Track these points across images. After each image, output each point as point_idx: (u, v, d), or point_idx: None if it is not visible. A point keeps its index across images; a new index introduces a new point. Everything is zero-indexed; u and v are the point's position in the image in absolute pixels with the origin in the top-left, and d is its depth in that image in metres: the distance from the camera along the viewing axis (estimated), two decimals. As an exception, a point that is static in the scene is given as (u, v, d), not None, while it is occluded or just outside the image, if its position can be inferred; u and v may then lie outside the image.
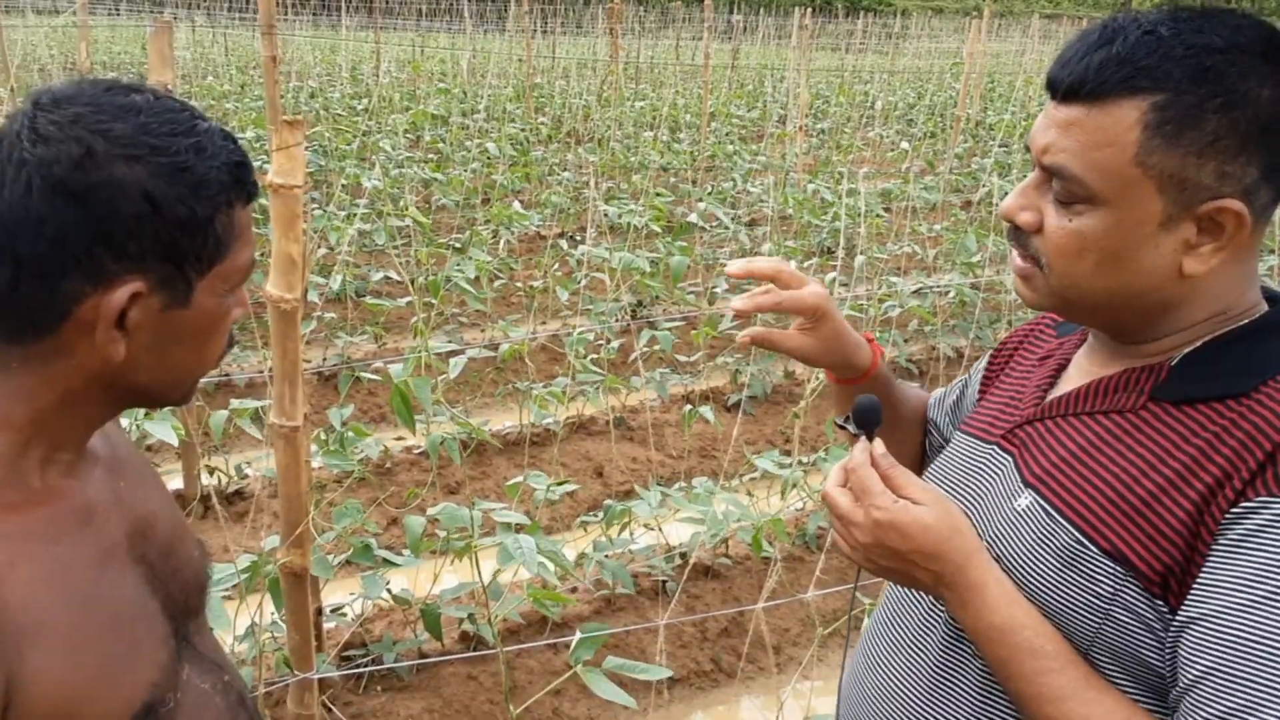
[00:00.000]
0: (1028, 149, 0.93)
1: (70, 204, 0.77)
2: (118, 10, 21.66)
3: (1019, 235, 0.93)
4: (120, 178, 0.78)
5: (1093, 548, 0.86)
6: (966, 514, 0.96)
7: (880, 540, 0.91)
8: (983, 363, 1.22)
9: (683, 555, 3.27)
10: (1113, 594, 0.84)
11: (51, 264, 0.78)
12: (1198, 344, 0.90)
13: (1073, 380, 1.00)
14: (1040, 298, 0.94)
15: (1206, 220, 0.84)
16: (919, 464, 1.30)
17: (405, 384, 2.46)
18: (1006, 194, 0.99)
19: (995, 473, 1.00)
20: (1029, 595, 0.89)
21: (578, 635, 2.01)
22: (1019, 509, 0.93)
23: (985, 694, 0.93)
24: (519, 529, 2.40)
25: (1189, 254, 0.85)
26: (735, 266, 1.10)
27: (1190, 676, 0.78)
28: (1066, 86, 0.86)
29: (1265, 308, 0.91)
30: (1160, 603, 0.82)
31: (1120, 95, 0.83)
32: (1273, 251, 5.95)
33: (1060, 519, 0.89)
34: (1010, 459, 0.98)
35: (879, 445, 0.96)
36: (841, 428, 1.04)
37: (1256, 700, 0.74)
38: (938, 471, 1.09)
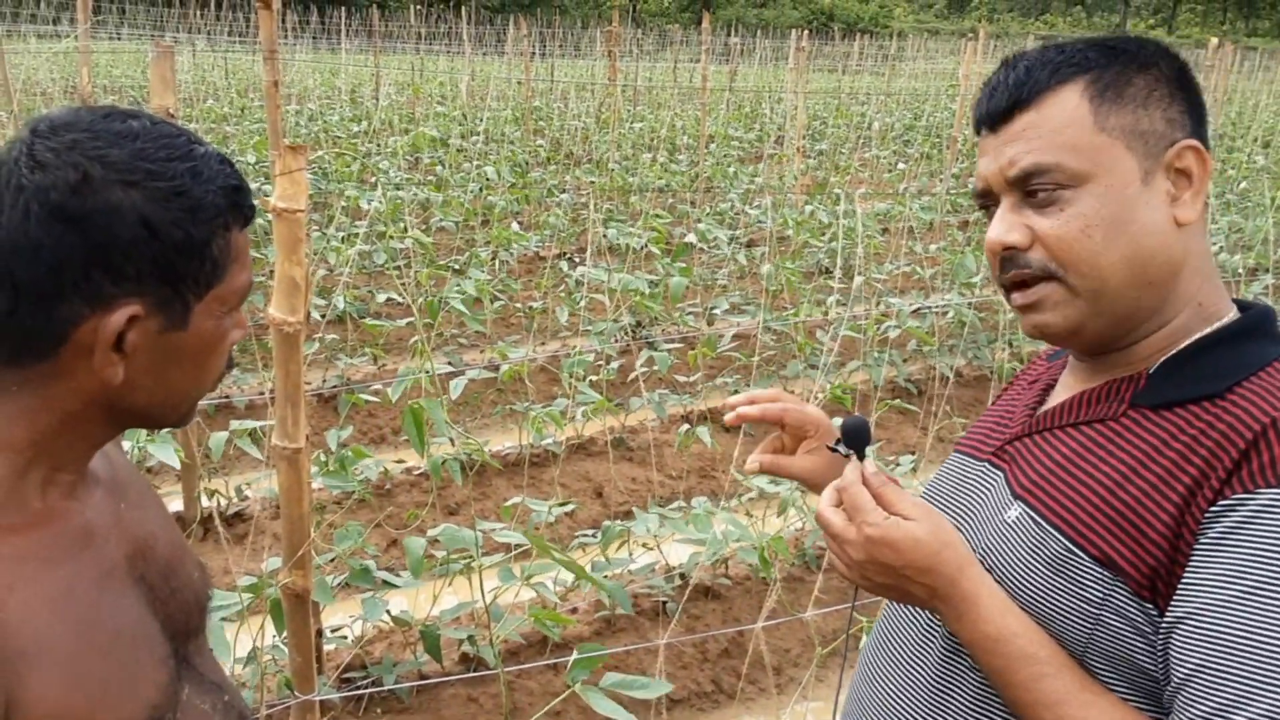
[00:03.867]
0: (980, 196, 0.97)
1: (67, 229, 0.78)
2: (119, 35, 21.79)
3: (1015, 260, 0.93)
4: (117, 203, 0.79)
5: (1082, 555, 0.87)
6: (958, 528, 0.97)
7: (873, 557, 0.92)
8: None
9: (682, 575, 3.26)
10: (1102, 599, 0.85)
11: (50, 288, 0.79)
12: (1174, 350, 0.93)
13: (1059, 397, 1.03)
14: (1064, 313, 0.93)
15: (1174, 171, 0.91)
16: None
17: (418, 404, 2.47)
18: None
19: (987, 488, 1.02)
20: (1022, 604, 0.90)
21: (574, 655, 2.01)
22: (1009, 520, 0.95)
23: (982, 704, 0.94)
24: (519, 550, 2.40)
25: (1175, 204, 0.91)
26: (737, 400, 1.18)
27: (1180, 675, 0.79)
28: (1004, 107, 0.94)
29: (1236, 313, 0.95)
30: (1149, 605, 0.84)
31: (1054, 87, 0.92)
32: (1268, 270, 5.97)
33: (1049, 528, 0.91)
34: (1001, 474, 1.01)
35: (870, 464, 0.97)
36: (833, 450, 1.05)
37: (1246, 693, 0.75)
38: (932, 490, 1.12)
